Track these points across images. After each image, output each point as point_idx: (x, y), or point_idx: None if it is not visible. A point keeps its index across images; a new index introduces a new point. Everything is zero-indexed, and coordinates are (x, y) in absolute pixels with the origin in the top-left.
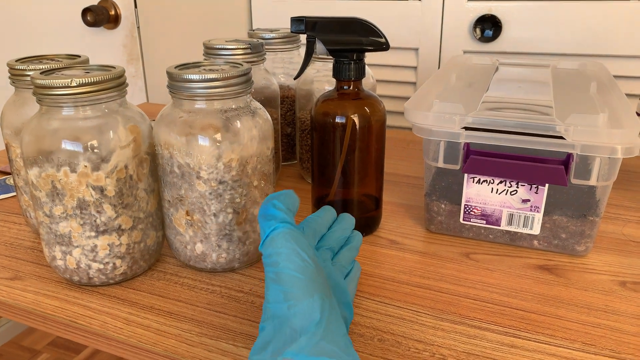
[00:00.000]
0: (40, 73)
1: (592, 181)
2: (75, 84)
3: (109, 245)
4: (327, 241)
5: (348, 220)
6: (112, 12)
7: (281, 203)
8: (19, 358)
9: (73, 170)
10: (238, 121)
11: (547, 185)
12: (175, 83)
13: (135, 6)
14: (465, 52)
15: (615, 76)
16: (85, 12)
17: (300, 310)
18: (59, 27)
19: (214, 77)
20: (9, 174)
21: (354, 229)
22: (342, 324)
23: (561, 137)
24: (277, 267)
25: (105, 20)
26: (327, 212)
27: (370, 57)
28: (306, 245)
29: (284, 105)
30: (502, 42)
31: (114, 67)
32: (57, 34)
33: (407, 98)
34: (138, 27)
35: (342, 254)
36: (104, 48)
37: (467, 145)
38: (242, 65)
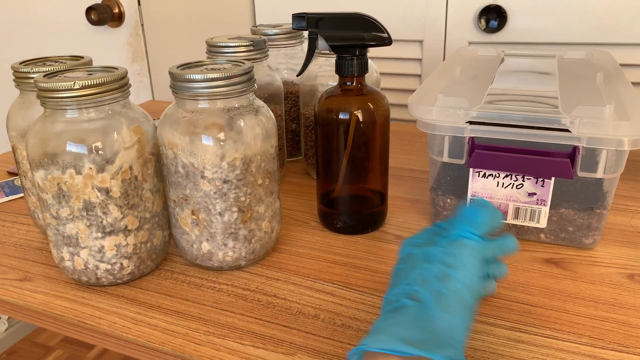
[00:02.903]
0: (44, 76)
1: (599, 174)
2: (79, 87)
3: (115, 245)
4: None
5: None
6: (116, 10)
7: (488, 218)
8: (33, 355)
9: (78, 172)
10: (241, 120)
11: (553, 178)
12: (178, 83)
13: (139, 4)
14: (470, 43)
15: (622, 65)
16: (89, 10)
17: (453, 320)
18: (63, 26)
19: (216, 76)
20: (17, 174)
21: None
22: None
23: (567, 130)
24: (452, 270)
25: (109, 19)
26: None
27: (374, 51)
28: (480, 272)
29: (288, 101)
30: (507, 33)
31: (117, 69)
32: (61, 34)
33: (412, 91)
34: (142, 25)
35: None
36: (108, 46)
37: (472, 139)
38: (244, 63)
